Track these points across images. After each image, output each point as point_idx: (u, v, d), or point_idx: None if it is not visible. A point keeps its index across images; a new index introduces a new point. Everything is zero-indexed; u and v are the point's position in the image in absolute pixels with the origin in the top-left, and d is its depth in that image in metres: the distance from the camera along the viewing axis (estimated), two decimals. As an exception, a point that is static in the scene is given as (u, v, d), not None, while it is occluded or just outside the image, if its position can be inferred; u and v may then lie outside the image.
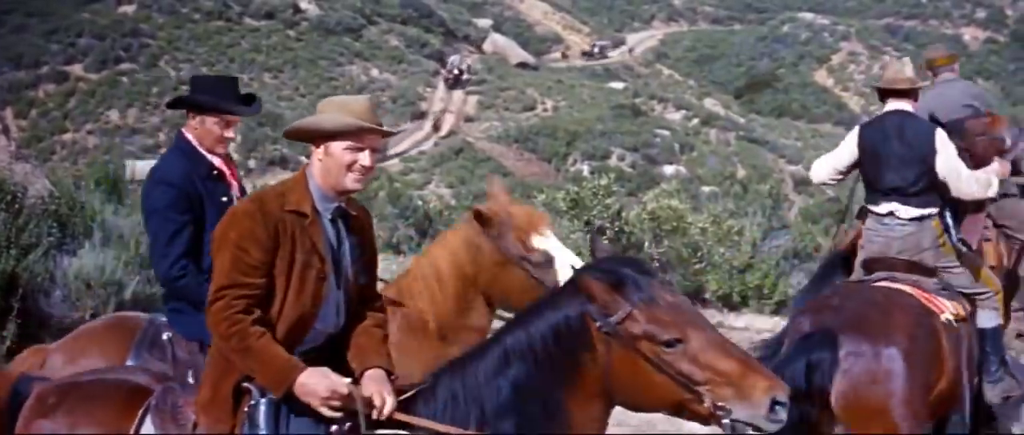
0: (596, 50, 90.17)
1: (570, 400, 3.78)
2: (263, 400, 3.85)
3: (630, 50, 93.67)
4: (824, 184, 7.44)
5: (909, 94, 6.88)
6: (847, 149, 7.02)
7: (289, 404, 3.83)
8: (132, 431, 4.02)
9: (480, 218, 5.50)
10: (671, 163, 58.60)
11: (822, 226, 21.76)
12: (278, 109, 58.25)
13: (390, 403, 3.80)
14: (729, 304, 13.67)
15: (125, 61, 65.26)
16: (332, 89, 65.57)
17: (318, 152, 4.01)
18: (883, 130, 6.83)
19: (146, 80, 63.57)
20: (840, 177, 7.28)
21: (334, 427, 3.81)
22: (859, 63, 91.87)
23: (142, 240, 10.24)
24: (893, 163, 6.73)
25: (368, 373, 3.95)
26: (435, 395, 3.88)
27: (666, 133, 62.53)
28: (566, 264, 5.25)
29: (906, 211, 6.70)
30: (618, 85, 78.03)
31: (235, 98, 5.51)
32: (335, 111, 4.00)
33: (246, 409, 3.89)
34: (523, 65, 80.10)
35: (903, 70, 7.00)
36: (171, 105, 5.88)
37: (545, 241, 5.52)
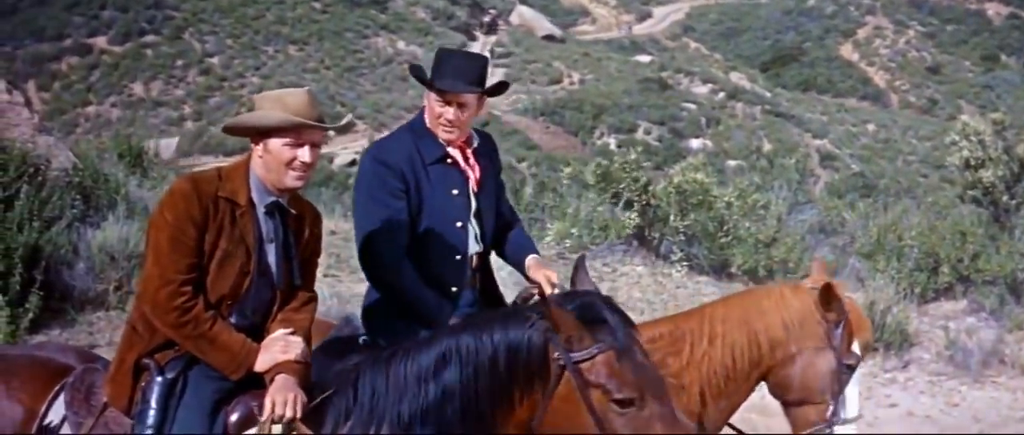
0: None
1: (496, 420, 3.55)
2: (158, 379, 3.80)
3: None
4: None
5: None
6: None
7: (183, 390, 3.80)
8: (43, 410, 3.98)
9: (829, 296, 4.69)
10: (697, 137, 58.35)
11: (847, 201, 21.64)
12: (304, 82, 58.07)
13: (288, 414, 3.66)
14: (755, 278, 13.55)
15: (149, 33, 65.29)
16: (358, 62, 65.52)
17: (258, 149, 3.89)
18: None
19: (170, 53, 63.58)
20: None
21: (232, 418, 3.78)
22: (885, 37, 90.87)
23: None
24: None
25: (278, 380, 3.78)
26: (355, 393, 3.69)
27: (692, 107, 62.20)
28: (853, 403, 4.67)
29: None
30: (644, 58, 77.63)
31: (463, 77, 4.56)
32: (272, 106, 3.86)
33: (143, 384, 3.84)
34: (550, 37, 79.69)
35: None
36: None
37: (858, 353, 4.75)
